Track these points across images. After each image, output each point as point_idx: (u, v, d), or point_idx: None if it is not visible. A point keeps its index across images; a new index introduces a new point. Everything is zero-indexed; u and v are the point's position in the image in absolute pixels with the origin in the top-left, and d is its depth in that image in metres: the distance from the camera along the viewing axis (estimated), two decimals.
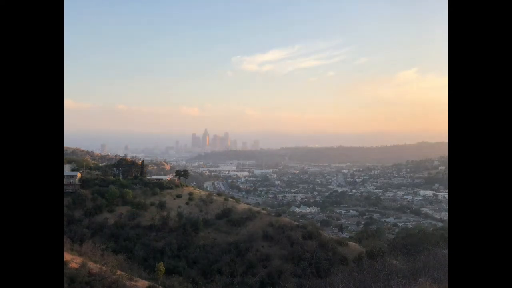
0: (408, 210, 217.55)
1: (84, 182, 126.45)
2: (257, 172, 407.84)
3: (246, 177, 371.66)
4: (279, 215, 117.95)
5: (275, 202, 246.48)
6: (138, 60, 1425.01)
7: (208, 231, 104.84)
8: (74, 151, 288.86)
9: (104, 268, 60.00)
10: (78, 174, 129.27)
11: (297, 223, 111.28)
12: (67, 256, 61.91)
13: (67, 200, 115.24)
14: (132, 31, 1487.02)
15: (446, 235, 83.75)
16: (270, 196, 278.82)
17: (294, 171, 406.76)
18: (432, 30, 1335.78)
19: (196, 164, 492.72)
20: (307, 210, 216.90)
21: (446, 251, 19.28)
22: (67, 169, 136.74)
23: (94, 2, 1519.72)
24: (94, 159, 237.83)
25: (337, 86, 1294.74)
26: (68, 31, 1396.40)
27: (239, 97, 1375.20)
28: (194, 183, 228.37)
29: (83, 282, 54.42)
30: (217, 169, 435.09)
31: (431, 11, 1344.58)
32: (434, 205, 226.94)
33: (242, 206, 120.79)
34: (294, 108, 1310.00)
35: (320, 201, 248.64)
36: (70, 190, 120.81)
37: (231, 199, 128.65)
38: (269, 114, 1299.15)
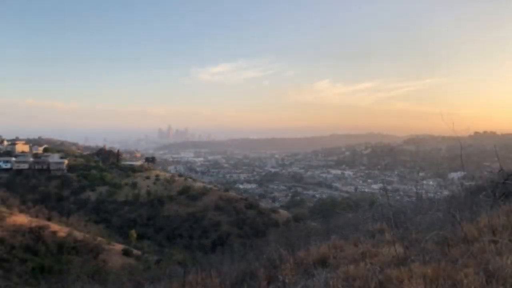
0: (323, 185, 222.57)
1: (71, 168, 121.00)
2: (210, 157, 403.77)
3: (202, 162, 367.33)
4: (227, 190, 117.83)
5: (224, 181, 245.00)
6: (112, 67, 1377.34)
7: (171, 204, 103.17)
8: (62, 143, 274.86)
9: (87, 235, 57.95)
10: (66, 161, 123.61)
11: (241, 196, 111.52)
12: (56, 227, 59.16)
13: (57, 182, 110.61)
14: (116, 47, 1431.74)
15: (351, 203, 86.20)
16: (220, 176, 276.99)
17: (239, 157, 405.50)
18: (341, 48, 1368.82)
19: (162, 152, 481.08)
20: (248, 186, 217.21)
21: (350, 215, 19.59)
22: (56, 157, 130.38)
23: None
24: (79, 149, 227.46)
25: (270, 92, 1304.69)
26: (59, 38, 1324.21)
27: (197, 100, 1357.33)
28: (160, 167, 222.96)
29: (70, 247, 52.31)
30: (179, 156, 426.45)
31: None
32: (342, 180, 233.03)
33: (199, 184, 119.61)
34: (239, 108, 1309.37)
35: (258, 179, 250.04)
36: (59, 174, 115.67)
37: (189, 179, 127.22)
38: (220, 113, 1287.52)
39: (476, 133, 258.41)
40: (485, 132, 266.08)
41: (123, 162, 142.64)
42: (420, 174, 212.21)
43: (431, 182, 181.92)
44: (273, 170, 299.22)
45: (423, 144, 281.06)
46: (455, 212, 8.36)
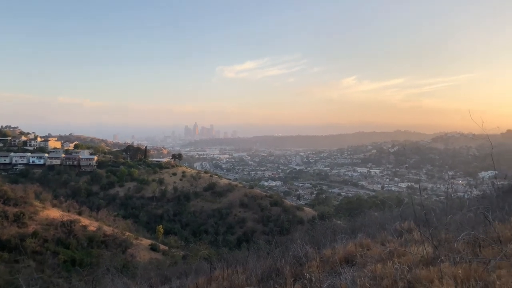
0: (349, 183, 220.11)
1: (100, 164, 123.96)
2: (235, 154, 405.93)
3: (227, 159, 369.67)
4: (252, 187, 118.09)
5: (249, 178, 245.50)
6: (141, 66, 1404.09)
7: (197, 200, 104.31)
8: (92, 140, 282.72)
9: (116, 230, 59.15)
10: (95, 157, 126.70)
11: (265, 193, 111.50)
12: (86, 221, 60.70)
13: (86, 178, 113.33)
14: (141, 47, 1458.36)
15: (377, 202, 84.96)
16: (245, 173, 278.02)
17: (263, 154, 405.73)
18: (369, 45, 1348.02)
19: (188, 149, 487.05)
20: (273, 183, 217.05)
21: (377, 213, 19.33)
22: (87, 153, 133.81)
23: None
24: (108, 146, 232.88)
25: (295, 90, 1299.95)
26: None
27: (222, 98, 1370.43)
28: (186, 164, 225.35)
29: (99, 241, 53.57)
30: (204, 153, 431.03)
31: (365, 30, 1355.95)
32: (368, 179, 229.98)
33: (224, 181, 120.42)
34: (263, 105, 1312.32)
35: (283, 177, 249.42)
36: (89, 170, 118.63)
37: (215, 176, 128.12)
38: (244, 110, 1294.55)
39: (508, 131, 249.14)
40: None
41: (150, 159, 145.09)
42: (449, 173, 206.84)
43: (460, 181, 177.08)
44: (298, 167, 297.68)
45: (452, 142, 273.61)
46: (486, 212, 8.13)
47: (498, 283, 5.34)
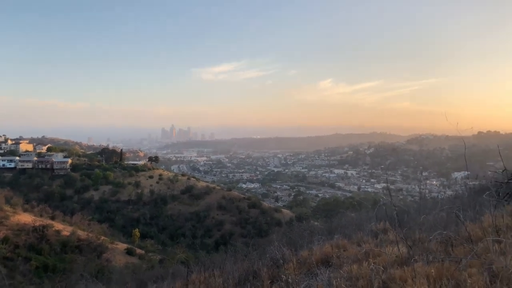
0: (326, 184, 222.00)
1: (74, 167, 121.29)
2: (213, 157, 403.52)
3: (204, 161, 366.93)
4: (230, 190, 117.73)
5: (227, 180, 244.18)
6: (117, 67, 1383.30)
7: (174, 203, 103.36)
8: (66, 142, 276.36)
9: (90, 234, 58.03)
10: (69, 160, 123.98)
11: (243, 196, 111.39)
12: (60, 226, 59.28)
13: (60, 181, 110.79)
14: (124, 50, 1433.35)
15: (354, 203, 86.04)
16: (223, 175, 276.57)
17: (242, 156, 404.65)
18: (344, 48, 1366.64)
19: (165, 151, 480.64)
20: (251, 185, 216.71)
21: (353, 214, 19.55)
22: (60, 156, 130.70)
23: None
24: (82, 149, 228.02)
25: (273, 91, 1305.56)
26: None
27: (200, 100, 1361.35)
28: (163, 167, 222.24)
29: (73, 246, 52.43)
30: (182, 155, 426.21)
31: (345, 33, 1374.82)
32: (345, 180, 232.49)
33: (201, 184, 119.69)
34: (241, 107, 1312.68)
35: (261, 179, 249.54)
36: (62, 173, 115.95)
37: (192, 178, 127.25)
38: (222, 112, 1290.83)
39: (479, 132, 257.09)
40: (488, 132, 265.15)
41: (126, 162, 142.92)
42: (424, 173, 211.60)
43: (434, 182, 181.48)
44: (276, 169, 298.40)
45: (426, 143, 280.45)
46: (458, 212, 8.34)
47: (469, 281, 5.47)
